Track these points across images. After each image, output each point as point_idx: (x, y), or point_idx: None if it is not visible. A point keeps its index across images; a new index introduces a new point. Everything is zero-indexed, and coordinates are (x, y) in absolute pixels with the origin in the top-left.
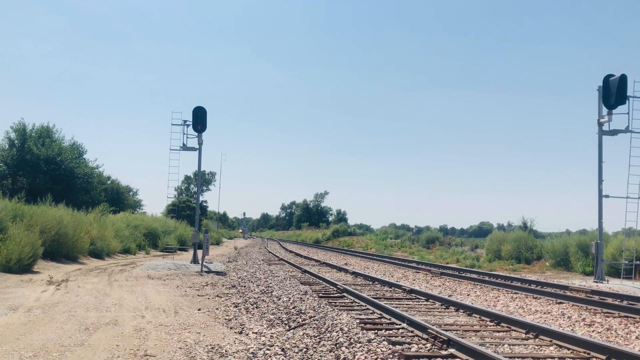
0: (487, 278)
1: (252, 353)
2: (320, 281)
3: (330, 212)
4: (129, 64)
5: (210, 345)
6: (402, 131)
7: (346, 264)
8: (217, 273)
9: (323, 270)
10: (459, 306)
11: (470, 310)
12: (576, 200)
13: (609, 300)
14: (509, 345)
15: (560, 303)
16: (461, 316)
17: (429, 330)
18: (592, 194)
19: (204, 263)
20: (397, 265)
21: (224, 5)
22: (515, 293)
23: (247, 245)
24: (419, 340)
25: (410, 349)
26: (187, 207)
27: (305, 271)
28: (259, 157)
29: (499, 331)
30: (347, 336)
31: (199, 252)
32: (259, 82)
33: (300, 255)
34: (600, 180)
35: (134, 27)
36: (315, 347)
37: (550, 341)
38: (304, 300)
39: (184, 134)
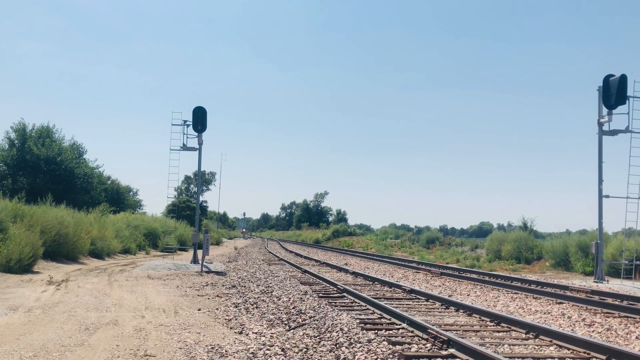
0: (487, 278)
1: (252, 353)
2: (320, 281)
3: (330, 212)
4: (129, 64)
5: (210, 345)
6: (402, 131)
7: (346, 264)
8: (217, 273)
9: (323, 270)
10: (459, 306)
11: (470, 311)
12: (576, 200)
13: (609, 301)
14: (509, 345)
15: (561, 303)
16: (461, 316)
17: (429, 330)
18: (592, 194)
19: (204, 263)
20: (397, 266)
21: (224, 5)
22: (516, 293)
23: (247, 246)
24: (419, 340)
25: (410, 349)
26: (187, 207)
27: (305, 271)
28: (259, 157)
29: (499, 331)
30: (347, 336)
31: (199, 252)
32: (259, 82)
33: (300, 255)
34: (600, 181)
35: (133, 27)
36: (315, 347)
37: (551, 341)
38: (304, 301)
39: (184, 134)
